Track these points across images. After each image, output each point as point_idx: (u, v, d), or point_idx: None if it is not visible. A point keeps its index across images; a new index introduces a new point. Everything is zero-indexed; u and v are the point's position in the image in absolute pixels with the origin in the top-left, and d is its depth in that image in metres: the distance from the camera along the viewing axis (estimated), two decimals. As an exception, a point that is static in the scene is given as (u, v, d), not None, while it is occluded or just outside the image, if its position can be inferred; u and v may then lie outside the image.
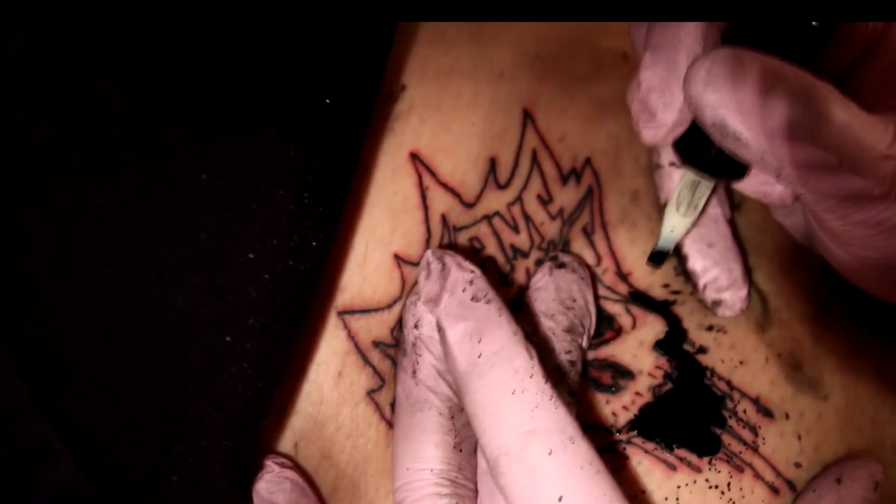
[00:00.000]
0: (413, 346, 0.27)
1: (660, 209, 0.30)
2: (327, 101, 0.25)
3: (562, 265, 0.29)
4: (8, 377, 0.23)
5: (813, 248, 0.30)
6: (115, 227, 0.24)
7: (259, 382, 0.25)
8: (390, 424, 0.28)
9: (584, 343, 0.28)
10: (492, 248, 0.29)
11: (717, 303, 0.28)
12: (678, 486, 0.27)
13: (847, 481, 0.27)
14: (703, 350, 0.29)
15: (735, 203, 0.31)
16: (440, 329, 0.25)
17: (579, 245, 0.30)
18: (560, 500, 0.23)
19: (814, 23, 0.24)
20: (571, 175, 0.30)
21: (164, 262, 0.24)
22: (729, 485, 0.27)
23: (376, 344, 0.28)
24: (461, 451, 0.26)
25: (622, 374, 0.28)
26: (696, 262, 0.29)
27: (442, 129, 0.29)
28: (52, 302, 0.24)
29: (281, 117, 0.25)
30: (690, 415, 0.28)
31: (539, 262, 0.29)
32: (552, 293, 0.28)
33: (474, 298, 0.25)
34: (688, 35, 0.25)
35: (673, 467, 0.28)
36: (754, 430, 0.28)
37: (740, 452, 0.28)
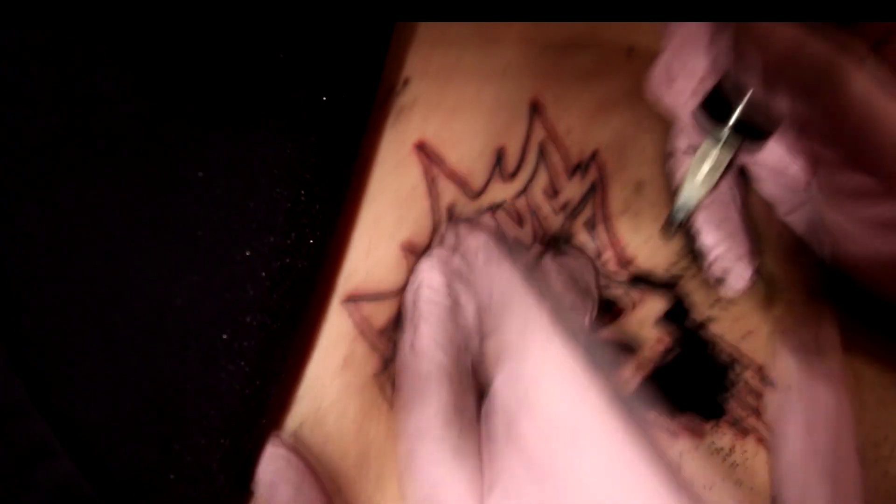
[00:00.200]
0: (411, 318, 0.27)
1: (670, 195, 0.30)
2: (324, 98, 0.25)
3: (564, 252, 0.29)
4: (5, 375, 0.23)
5: (815, 245, 0.30)
6: (112, 226, 0.24)
7: (256, 380, 0.25)
8: (391, 404, 0.28)
9: (586, 322, 0.28)
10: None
11: (720, 280, 0.28)
12: (680, 453, 0.28)
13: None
14: (711, 319, 0.29)
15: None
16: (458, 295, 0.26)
17: (582, 238, 0.30)
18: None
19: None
20: (577, 169, 0.30)
21: (162, 260, 0.24)
22: (733, 448, 0.28)
23: (383, 330, 0.28)
24: (463, 417, 0.26)
25: (623, 349, 0.29)
26: (706, 238, 0.29)
27: (445, 124, 0.29)
28: (49, 300, 0.24)
29: (278, 115, 0.25)
30: (695, 382, 0.28)
31: (540, 256, 0.29)
32: (555, 274, 0.28)
33: (487, 261, 0.26)
34: None
35: (675, 435, 0.28)
36: (759, 396, 0.28)
37: (745, 417, 0.28)
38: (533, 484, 0.23)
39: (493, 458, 0.25)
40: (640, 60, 0.30)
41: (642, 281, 0.29)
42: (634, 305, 0.29)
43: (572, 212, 0.30)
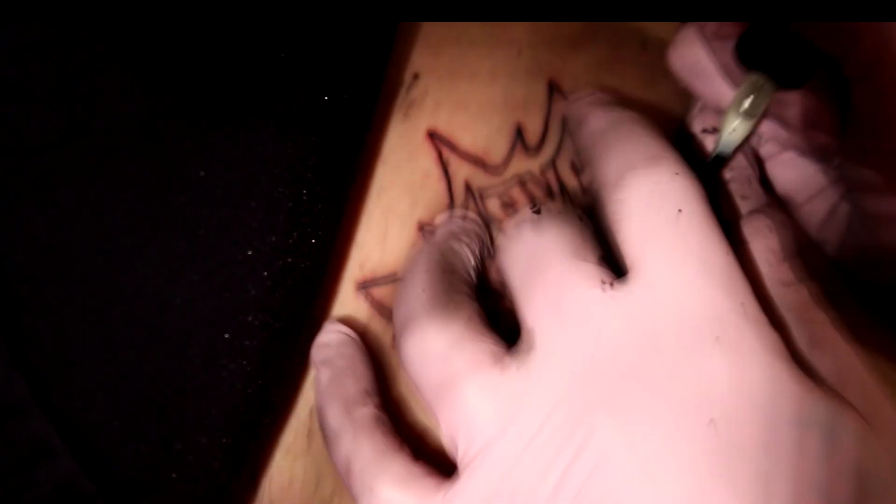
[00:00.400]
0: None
1: None
2: (326, 98, 0.25)
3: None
4: (6, 374, 0.23)
5: (825, 244, 0.29)
6: (113, 224, 0.24)
7: (259, 380, 0.25)
8: None
9: None
10: (528, 200, 0.29)
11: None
12: None
13: (745, 239, 0.26)
14: None
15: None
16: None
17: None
18: (679, 212, 0.23)
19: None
20: None
21: (163, 258, 0.24)
22: None
23: None
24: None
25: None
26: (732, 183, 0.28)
27: (458, 107, 0.29)
28: (50, 298, 0.24)
29: (279, 114, 0.25)
30: None
31: None
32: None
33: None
34: None
35: None
36: None
37: None
38: None
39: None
40: (653, 53, 0.30)
41: None
42: None
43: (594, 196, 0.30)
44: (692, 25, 0.27)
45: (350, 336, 0.27)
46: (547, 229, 0.25)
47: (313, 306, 0.27)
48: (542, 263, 0.24)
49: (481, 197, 0.29)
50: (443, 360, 0.24)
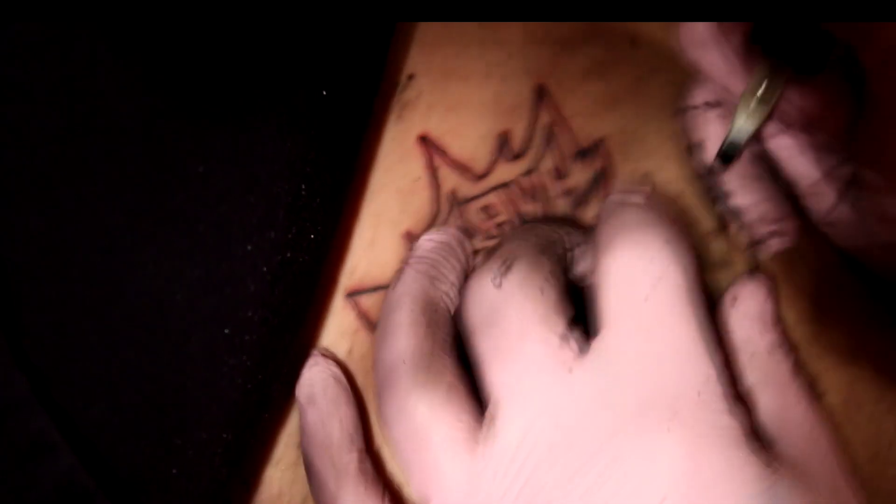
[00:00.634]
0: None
1: (679, 183, 0.29)
2: (324, 93, 0.25)
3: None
4: (7, 370, 0.23)
5: (833, 227, 0.29)
6: (113, 221, 0.24)
7: (259, 375, 0.25)
8: None
9: None
10: (506, 216, 0.29)
11: (758, 242, 0.28)
12: None
13: (742, 298, 0.27)
14: None
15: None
16: None
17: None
18: (652, 288, 0.24)
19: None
20: (584, 154, 0.30)
21: (162, 254, 0.24)
22: None
23: None
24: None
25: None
26: (743, 198, 0.28)
27: (450, 111, 0.29)
28: (50, 295, 0.24)
29: (278, 110, 0.25)
30: None
31: None
32: None
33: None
34: None
35: None
36: None
37: None
38: None
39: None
40: (643, 52, 0.30)
41: None
42: None
43: (578, 199, 0.30)
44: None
45: (334, 375, 0.27)
46: (513, 293, 0.25)
47: (312, 301, 0.27)
48: (507, 332, 0.25)
49: (463, 206, 0.29)
50: (420, 430, 0.25)
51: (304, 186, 0.25)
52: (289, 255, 0.25)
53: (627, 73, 0.30)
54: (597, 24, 0.31)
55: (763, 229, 0.28)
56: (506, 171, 0.29)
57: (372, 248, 0.28)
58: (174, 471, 0.24)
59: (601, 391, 0.23)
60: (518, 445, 0.24)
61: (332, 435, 0.26)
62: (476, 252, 0.29)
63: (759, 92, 0.26)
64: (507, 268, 0.26)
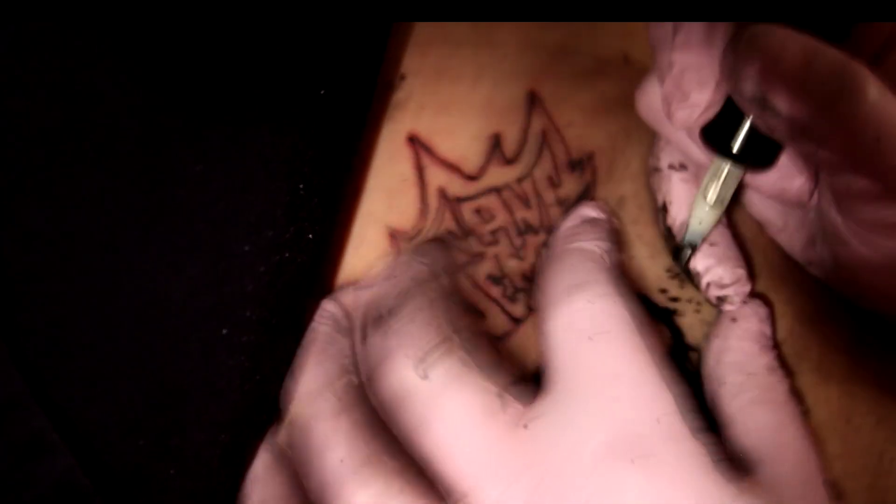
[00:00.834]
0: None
1: (651, 214, 0.29)
2: (322, 91, 0.25)
3: None
4: (4, 369, 0.23)
5: (809, 264, 0.29)
6: (110, 219, 0.24)
7: (256, 375, 0.25)
8: None
9: None
10: (501, 221, 0.29)
11: (721, 299, 0.28)
12: None
13: (741, 318, 0.27)
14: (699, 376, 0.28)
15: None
16: None
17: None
18: (590, 339, 0.24)
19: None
20: (578, 164, 0.30)
21: (160, 254, 0.24)
22: None
23: None
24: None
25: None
26: (698, 262, 0.28)
27: (441, 111, 0.29)
28: (47, 294, 0.24)
29: (276, 109, 0.25)
30: None
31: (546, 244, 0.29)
32: None
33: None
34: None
35: None
36: None
37: None
38: None
39: None
40: (635, 69, 0.30)
41: (644, 301, 0.29)
42: None
43: (569, 210, 0.29)
44: (664, 94, 0.27)
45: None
46: (444, 386, 0.25)
47: (309, 302, 0.27)
48: (448, 423, 0.24)
49: (456, 205, 0.29)
50: None
51: (301, 185, 0.25)
52: (287, 254, 0.25)
53: (617, 88, 0.30)
54: (592, 33, 0.31)
55: (716, 293, 0.28)
56: (499, 175, 0.29)
57: (360, 248, 0.28)
58: (172, 471, 0.24)
59: (561, 439, 0.24)
60: None
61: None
62: (475, 256, 0.29)
63: (712, 197, 0.27)
64: (429, 361, 0.25)
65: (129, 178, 0.24)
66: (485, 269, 0.29)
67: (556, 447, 0.24)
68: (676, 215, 0.28)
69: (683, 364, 0.28)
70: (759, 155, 0.26)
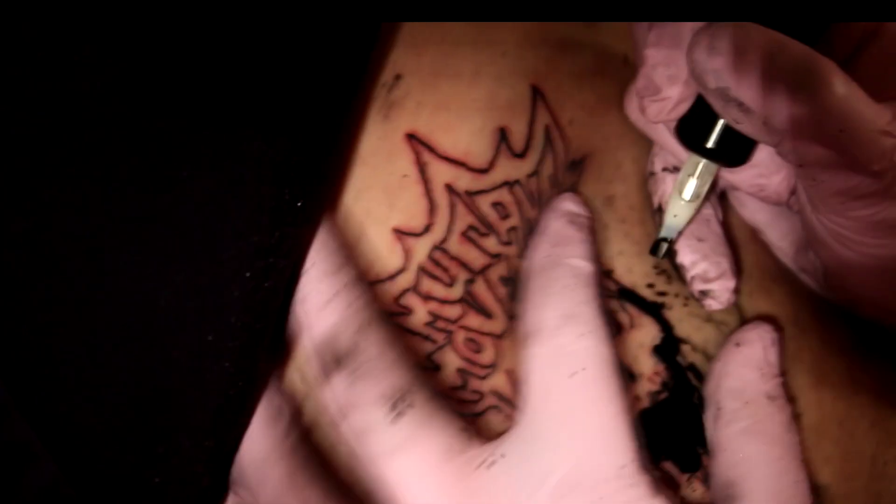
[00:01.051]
0: None
1: (640, 214, 0.29)
2: (308, 95, 0.25)
3: None
4: (-14, 378, 0.23)
5: (803, 272, 0.29)
6: (95, 225, 0.24)
7: (240, 381, 0.24)
8: None
9: None
10: (515, 219, 0.29)
11: (704, 293, 0.28)
12: None
13: (745, 343, 0.27)
14: (693, 369, 0.28)
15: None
16: None
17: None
18: (572, 376, 0.24)
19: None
20: (577, 165, 0.29)
21: (144, 259, 0.24)
22: None
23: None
24: None
25: (625, 374, 0.28)
26: (685, 256, 0.28)
27: (440, 108, 0.29)
28: (32, 299, 0.24)
29: (261, 113, 0.25)
30: (679, 429, 0.28)
31: None
32: None
33: (571, 223, 0.27)
34: None
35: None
36: None
37: None
38: None
39: None
40: (634, 70, 0.29)
41: (631, 296, 0.29)
42: (632, 323, 0.28)
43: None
44: (638, 89, 0.28)
45: None
46: (412, 431, 0.25)
47: (292, 306, 0.26)
48: (413, 463, 0.24)
49: (472, 198, 0.29)
50: None
51: (287, 190, 0.25)
52: (272, 259, 0.25)
53: (617, 88, 0.30)
54: (591, 34, 0.30)
55: (699, 286, 0.28)
56: (511, 168, 0.29)
57: (358, 247, 0.28)
58: (156, 479, 0.24)
59: (521, 479, 0.24)
60: None
61: None
62: (495, 257, 0.28)
63: (687, 192, 0.27)
64: (399, 407, 0.25)
65: (114, 183, 0.24)
66: (499, 270, 0.29)
67: (515, 488, 0.24)
68: None
69: (674, 357, 0.28)
70: (733, 151, 0.26)
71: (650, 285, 0.29)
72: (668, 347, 0.28)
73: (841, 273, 0.26)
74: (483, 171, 0.29)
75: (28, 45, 0.24)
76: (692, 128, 0.26)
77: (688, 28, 0.25)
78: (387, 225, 0.28)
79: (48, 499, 0.23)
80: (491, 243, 0.29)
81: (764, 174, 0.27)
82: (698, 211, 0.28)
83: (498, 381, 0.28)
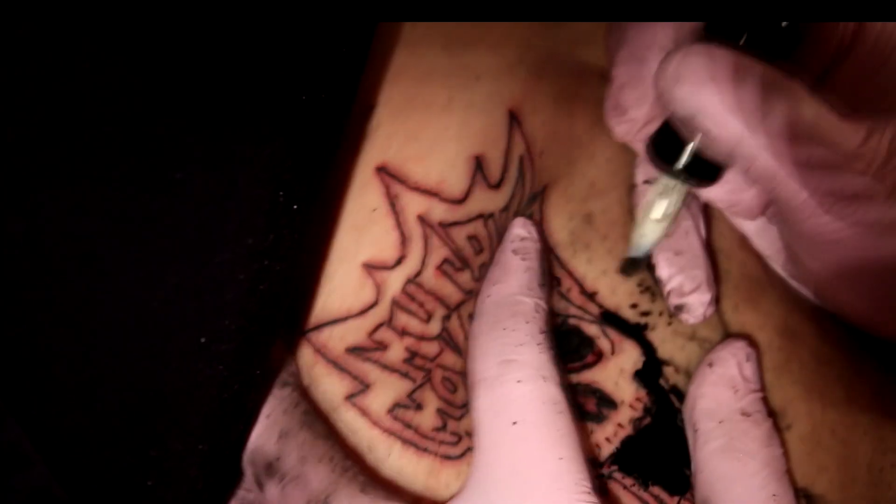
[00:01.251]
0: None
1: (624, 229, 0.29)
2: (303, 98, 0.25)
3: None
4: (-23, 381, 0.22)
5: (793, 277, 0.29)
6: (90, 227, 0.24)
7: (234, 385, 0.24)
8: (381, 427, 0.27)
9: None
10: (487, 255, 0.28)
11: (679, 307, 0.28)
12: None
13: (717, 363, 0.27)
14: (676, 391, 0.28)
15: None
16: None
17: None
18: (514, 424, 0.24)
19: (783, 23, 0.24)
20: (536, 196, 0.29)
21: (139, 262, 0.24)
22: None
23: (351, 350, 0.27)
24: None
25: (606, 402, 0.28)
26: (662, 270, 0.28)
27: (410, 138, 0.28)
28: (24, 303, 0.23)
29: (257, 116, 0.25)
30: (665, 452, 0.27)
31: None
32: None
33: (514, 252, 0.27)
34: (661, 33, 0.26)
35: None
36: None
37: None
38: None
39: None
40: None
41: (614, 320, 0.28)
42: (613, 349, 0.28)
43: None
44: (608, 107, 0.28)
45: None
46: None
47: (287, 310, 0.26)
48: None
49: (447, 230, 0.28)
50: None
51: (281, 193, 0.25)
52: (266, 262, 0.24)
53: (594, 110, 0.29)
54: (567, 54, 0.30)
55: (675, 300, 0.28)
56: (487, 200, 0.28)
57: (327, 283, 0.28)
58: (149, 482, 0.24)
59: None
60: None
61: None
62: (468, 294, 0.28)
63: (655, 213, 0.27)
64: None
65: (108, 186, 0.24)
66: (469, 308, 0.28)
67: None
68: None
69: (657, 381, 0.28)
70: (703, 171, 0.26)
71: (633, 305, 0.28)
72: (650, 371, 0.28)
73: (816, 285, 0.26)
74: (458, 201, 0.28)
75: (25, 46, 0.24)
76: (661, 148, 0.26)
77: (655, 51, 0.25)
78: (356, 261, 0.28)
79: (39, 501, 0.23)
80: (465, 279, 0.28)
81: (735, 191, 0.27)
82: (677, 224, 0.28)
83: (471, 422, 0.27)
